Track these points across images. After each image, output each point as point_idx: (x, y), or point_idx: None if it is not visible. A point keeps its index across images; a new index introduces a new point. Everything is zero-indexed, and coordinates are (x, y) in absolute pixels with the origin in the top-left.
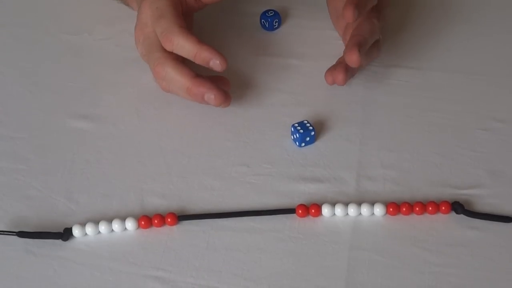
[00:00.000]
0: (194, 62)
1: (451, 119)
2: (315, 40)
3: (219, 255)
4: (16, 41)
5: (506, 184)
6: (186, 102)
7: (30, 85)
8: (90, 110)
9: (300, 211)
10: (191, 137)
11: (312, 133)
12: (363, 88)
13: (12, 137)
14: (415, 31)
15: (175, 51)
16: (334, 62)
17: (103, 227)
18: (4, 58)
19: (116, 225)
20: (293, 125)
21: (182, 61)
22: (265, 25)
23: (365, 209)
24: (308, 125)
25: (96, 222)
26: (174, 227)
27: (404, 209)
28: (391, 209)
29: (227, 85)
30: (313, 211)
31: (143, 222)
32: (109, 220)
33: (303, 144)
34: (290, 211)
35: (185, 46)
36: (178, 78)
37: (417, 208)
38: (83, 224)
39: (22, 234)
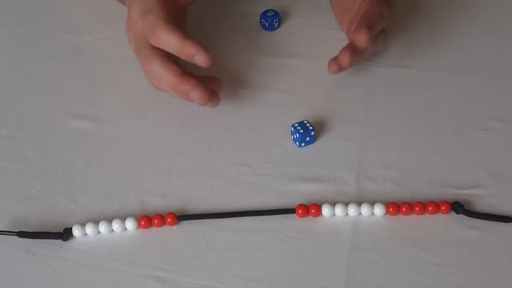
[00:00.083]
0: (189, 62)
1: (451, 119)
2: (315, 40)
3: (219, 255)
4: (16, 41)
5: (506, 184)
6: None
7: (30, 85)
8: (90, 110)
9: (300, 211)
10: (191, 137)
11: (312, 133)
12: (363, 88)
13: (12, 137)
14: (415, 31)
15: (161, 47)
16: None
17: (103, 227)
18: (4, 58)
19: (116, 225)
20: (293, 125)
21: (171, 59)
22: (265, 25)
23: (365, 209)
24: (308, 125)
25: (96, 222)
26: (174, 227)
27: (404, 209)
28: (391, 209)
29: (218, 85)
30: (313, 211)
31: (143, 222)
32: (109, 220)
33: (303, 144)
34: (290, 211)
35: (170, 42)
36: (165, 74)
37: (417, 208)
38: (83, 224)
39: (22, 234)
